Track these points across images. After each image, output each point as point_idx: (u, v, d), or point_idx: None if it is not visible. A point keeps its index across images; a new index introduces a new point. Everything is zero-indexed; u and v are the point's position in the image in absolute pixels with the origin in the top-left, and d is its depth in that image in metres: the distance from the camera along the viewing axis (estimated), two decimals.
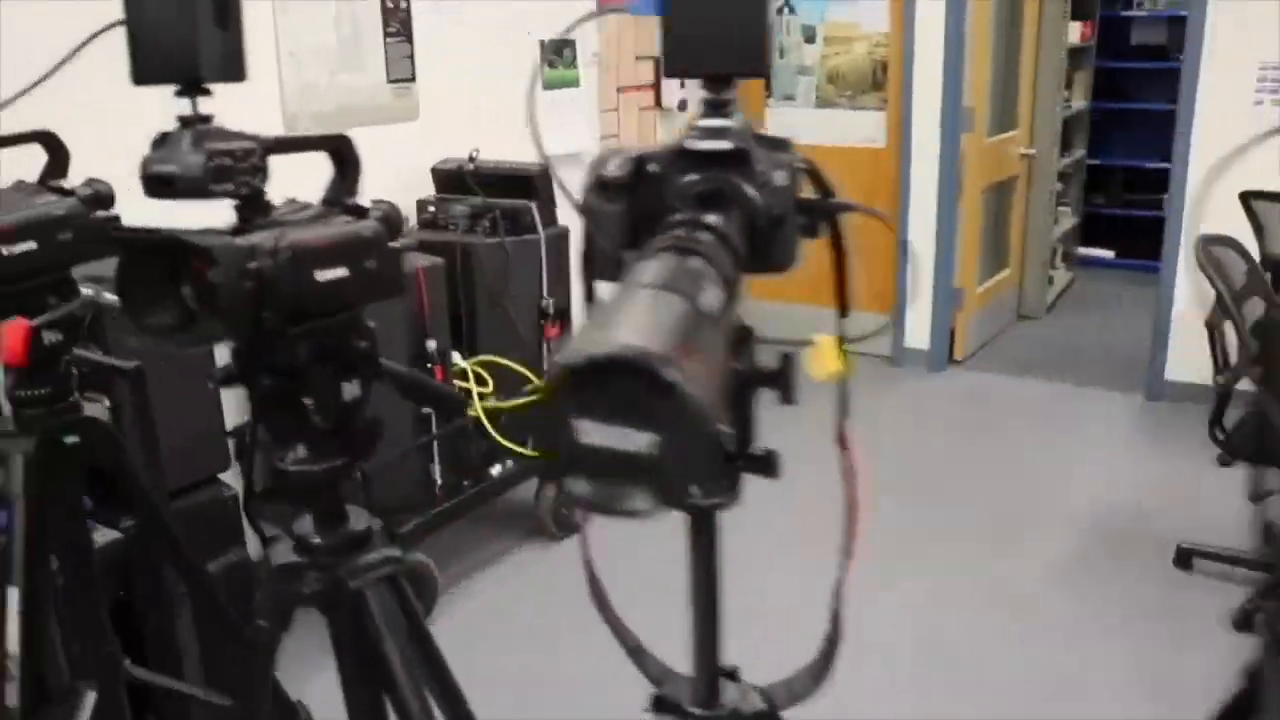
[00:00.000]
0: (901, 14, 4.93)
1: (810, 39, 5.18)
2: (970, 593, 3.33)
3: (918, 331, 5.31)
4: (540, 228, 3.36)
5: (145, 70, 0.95)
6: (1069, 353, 5.57)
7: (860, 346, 4.47)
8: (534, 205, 3.35)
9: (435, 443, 3.10)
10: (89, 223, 1.26)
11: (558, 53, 4.18)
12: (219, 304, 0.90)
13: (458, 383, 3.17)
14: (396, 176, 3.47)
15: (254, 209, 0.99)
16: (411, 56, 3.56)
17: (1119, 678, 2.89)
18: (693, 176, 0.85)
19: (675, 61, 0.85)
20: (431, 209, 3.43)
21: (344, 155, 1.13)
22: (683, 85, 4.74)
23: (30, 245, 1.22)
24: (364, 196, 1.11)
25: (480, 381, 3.25)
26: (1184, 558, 3.50)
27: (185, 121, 0.97)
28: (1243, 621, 2.82)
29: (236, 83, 0.96)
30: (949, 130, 4.96)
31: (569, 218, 3.43)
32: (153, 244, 0.91)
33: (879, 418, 4.66)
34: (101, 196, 1.31)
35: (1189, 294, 4.69)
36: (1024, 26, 5.45)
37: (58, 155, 1.35)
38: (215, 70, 0.95)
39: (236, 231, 0.96)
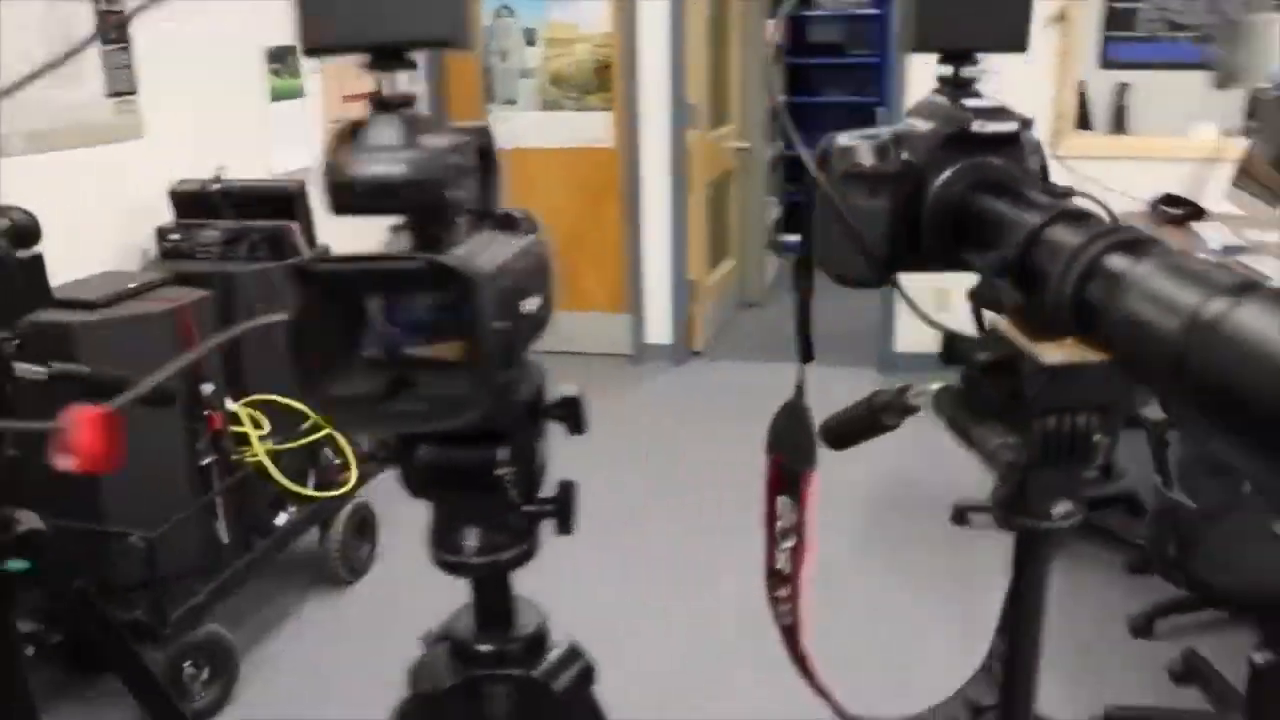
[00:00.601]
0: (621, 15, 4.95)
1: (531, 41, 5.10)
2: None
3: (656, 326, 5.37)
4: (304, 249, 3.08)
5: None
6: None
7: (599, 346, 4.51)
8: (294, 225, 3.06)
9: (219, 497, 2.76)
10: (15, 267, 0.96)
11: (280, 60, 3.86)
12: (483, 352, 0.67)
13: (232, 427, 2.85)
14: (126, 201, 3.07)
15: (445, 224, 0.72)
16: (131, 66, 3.16)
17: (935, 628, 3.04)
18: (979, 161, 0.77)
19: (925, 37, 0.78)
20: (175, 236, 3.06)
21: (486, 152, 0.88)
22: None
23: None
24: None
25: (255, 424, 2.93)
26: (960, 515, 3.73)
27: (384, 104, 0.67)
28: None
29: None
30: (676, 127, 5.03)
31: (332, 235, 3.17)
32: (390, 274, 0.67)
33: (636, 415, 4.65)
34: (22, 230, 1.01)
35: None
36: (730, 24, 5.63)
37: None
38: None
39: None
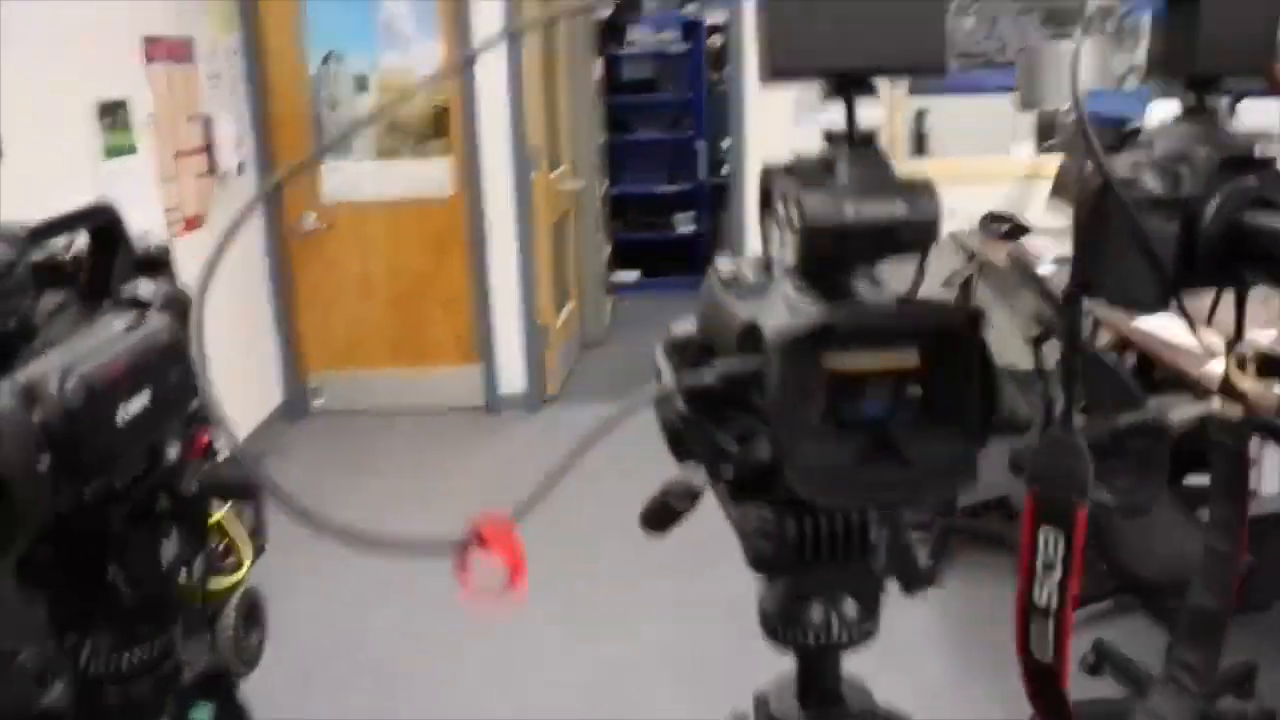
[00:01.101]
0: (457, 58, 4.84)
1: (363, 88, 4.91)
2: (683, 610, 3.34)
3: (509, 375, 5.24)
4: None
5: None
6: (646, 371, 5.82)
7: (452, 399, 4.39)
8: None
9: None
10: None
11: (111, 114, 3.56)
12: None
13: None
14: None
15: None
16: None
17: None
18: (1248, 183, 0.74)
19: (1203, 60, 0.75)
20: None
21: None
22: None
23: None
24: None
25: None
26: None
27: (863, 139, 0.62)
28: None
29: None
30: (519, 171, 4.95)
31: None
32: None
33: (495, 468, 4.51)
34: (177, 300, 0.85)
35: None
36: (558, 64, 5.60)
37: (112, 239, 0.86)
38: None
39: None
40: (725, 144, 7.27)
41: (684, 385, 0.64)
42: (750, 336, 0.62)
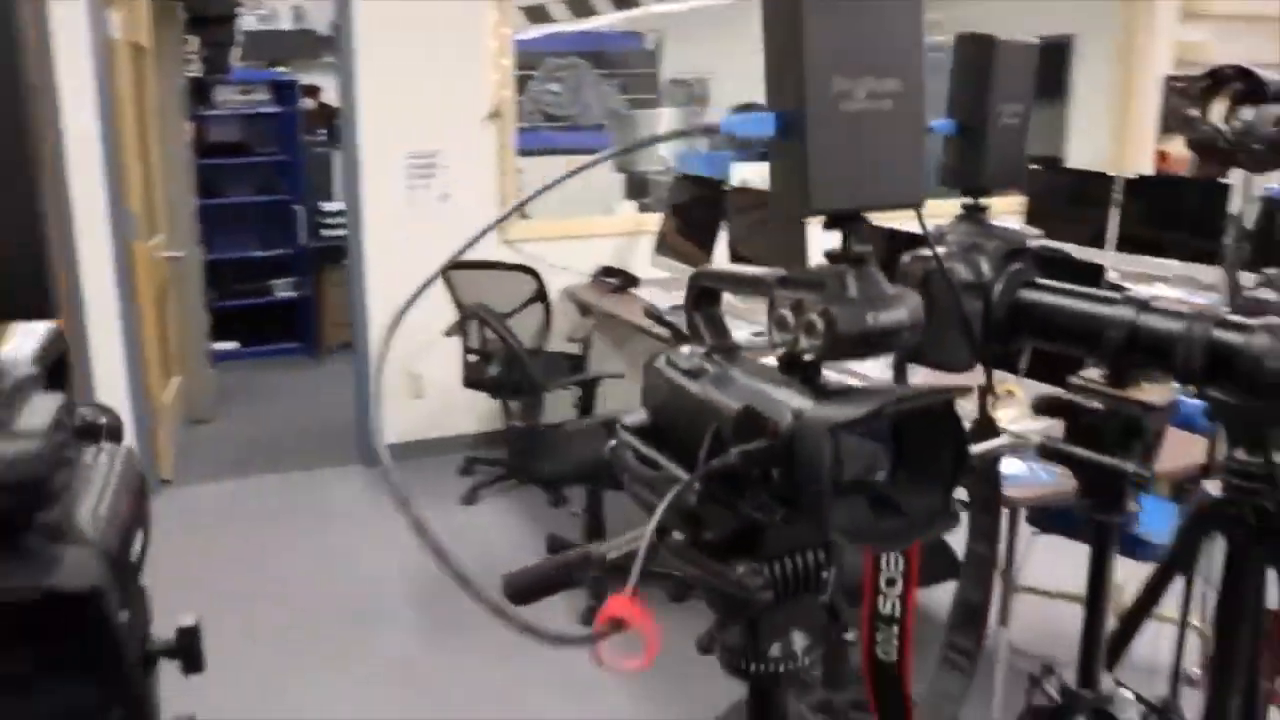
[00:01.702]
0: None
1: None
2: (362, 681, 3.28)
3: None
4: None
5: None
6: (265, 445, 5.57)
7: None
8: None
9: None
10: None
11: None
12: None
13: None
14: None
15: None
16: None
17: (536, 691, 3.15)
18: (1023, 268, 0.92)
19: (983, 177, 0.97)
20: None
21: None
22: None
23: None
24: None
25: None
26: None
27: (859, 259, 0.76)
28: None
29: None
30: (118, 238, 4.59)
31: None
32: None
33: None
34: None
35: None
36: (149, 126, 5.25)
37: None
38: None
39: None
40: (329, 206, 7.14)
41: (709, 468, 0.70)
42: (752, 420, 0.71)
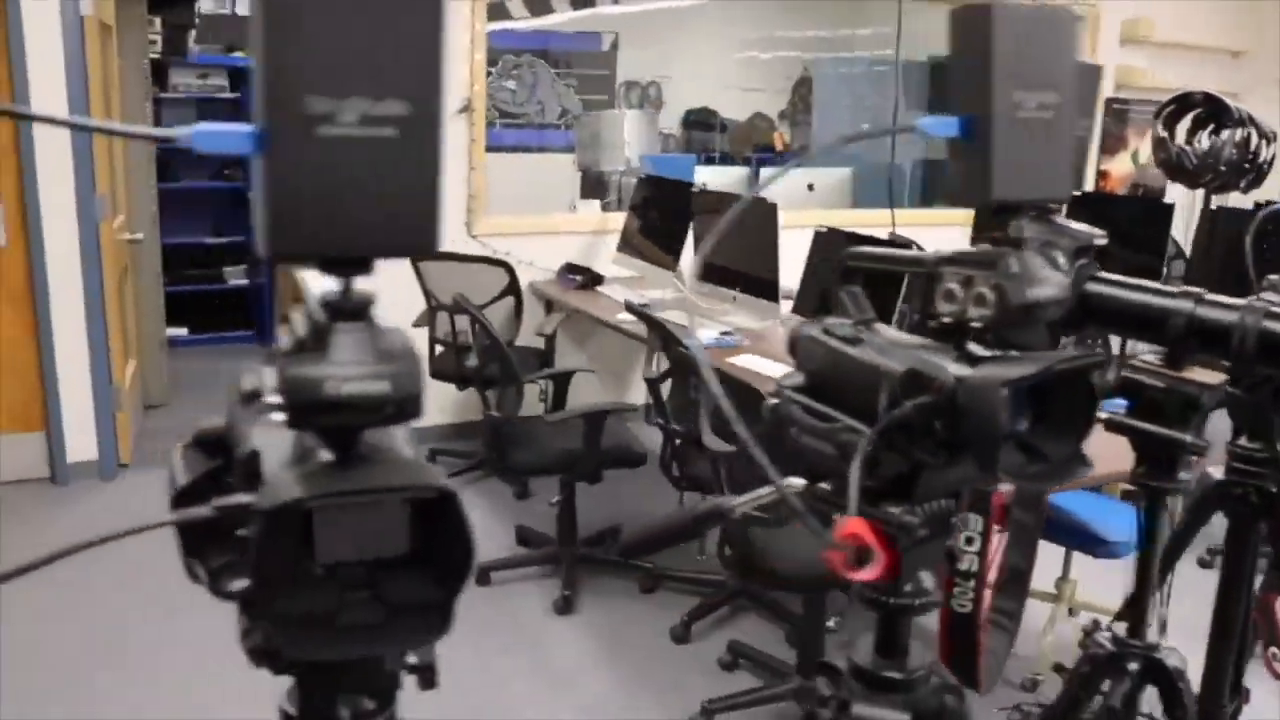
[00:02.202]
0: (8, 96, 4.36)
1: None
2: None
3: (78, 441, 4.78)
4: None
5: None
6: None
7: (12, 472, 4.22)
8: None
9: None
10: None
11: None
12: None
13: None
14: None
15: None
16: None
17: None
18: None
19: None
20: None
21: None
22: None
23: None
24: None
25: None
26: (483, 574, 3.95)
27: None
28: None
29: None
30: (86, 220, 4.56)
31: None
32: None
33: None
34: None
35: None
36: (114, 106, 5.21)
37: None
38: None
39: None
40: None
41: (891, 418, 0.81)
42: (919, 379, 0.82)
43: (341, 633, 0.64)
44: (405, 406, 0.63)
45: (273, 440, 0.67)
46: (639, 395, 5.78)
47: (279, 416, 0.66)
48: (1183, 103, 2.48)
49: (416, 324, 4.76)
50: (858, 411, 0.86)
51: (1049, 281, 0.85)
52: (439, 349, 4.76)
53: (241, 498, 0.65)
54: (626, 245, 5.39)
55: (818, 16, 8.71)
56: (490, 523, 4.53)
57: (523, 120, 7.70)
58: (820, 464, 0.88)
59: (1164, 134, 2.41)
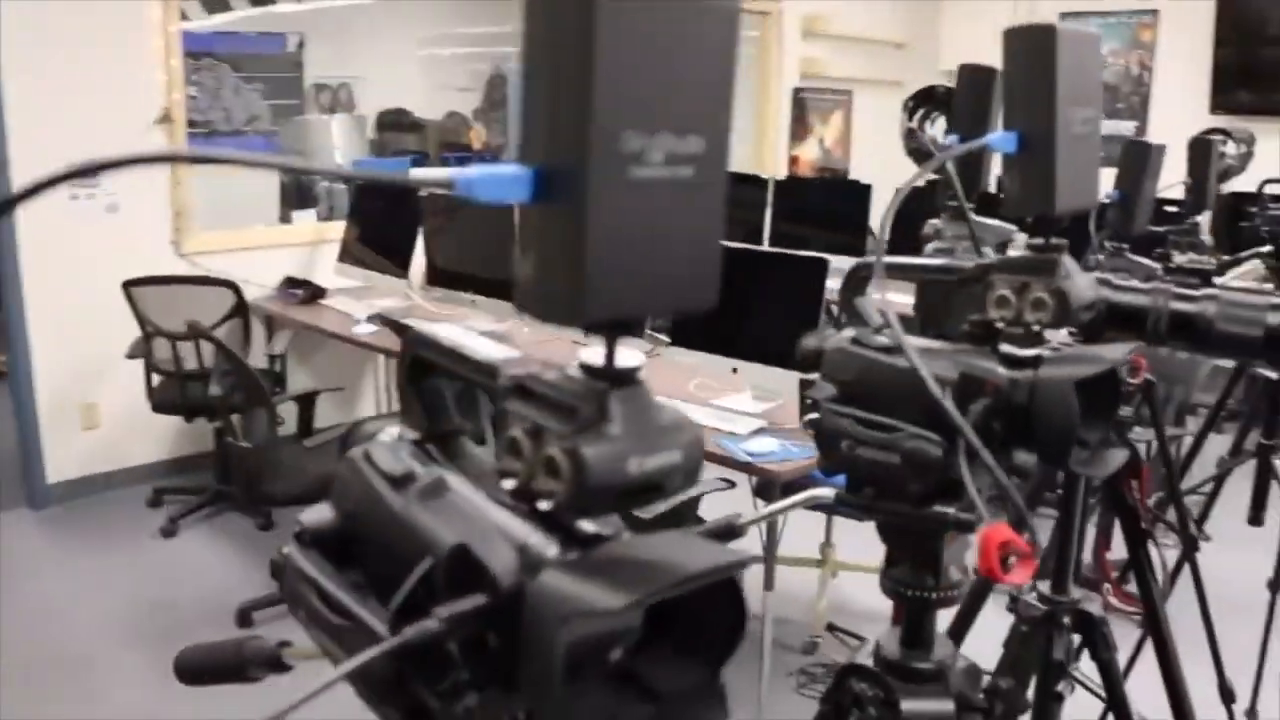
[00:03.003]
0: None
1: None
2: None
3: None
4: None
5: None
6: None
7: None
8: None
9: None
10: None
11: None
12: None
13: None
14: None
15: None
16: None
17: None
18: None
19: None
20: None
21: None
22: None
23: None
24: None
25: None
26: (244, 615, 3.71)
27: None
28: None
29: None
30: None
31: None
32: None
33: None
34: None
35: (49, 394, 4.58)
36: None
37: None
38: None
39: None
40: None
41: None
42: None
43: None
44: (691, 478, 0.56)
45: (464, 525, 0.58)
46: (370, 407, 5.60)
47: (468, 497, 0.58)
48: (924, 97, 2.68)
49: (131, 354, 4.36)
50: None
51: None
52: (156, 379, 4.39)
53: (468, 604, 0.53)
54: (348, 255, 5.18)
55: (501, 12, 8.71)
56: (237, 557, 4.24)
57: (206, 128, 7.21)
58: (876, 472, 0.90)
59: (912, 125, 2.60)
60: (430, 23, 8.43)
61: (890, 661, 1.00)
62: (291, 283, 5.09)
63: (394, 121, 8.13)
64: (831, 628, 3.79)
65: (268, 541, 4.38)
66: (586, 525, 0.57)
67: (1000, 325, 0.88)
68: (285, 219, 5.78)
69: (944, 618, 1.26)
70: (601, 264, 0.50)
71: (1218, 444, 3.59)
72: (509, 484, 0.56)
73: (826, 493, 0.95)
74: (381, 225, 5.05)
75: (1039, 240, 0.88)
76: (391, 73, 8.17)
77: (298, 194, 6.36)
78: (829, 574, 3.93)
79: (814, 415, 0.93)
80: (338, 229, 5.27)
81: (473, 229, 4.70)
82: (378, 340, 4.38)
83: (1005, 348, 0.89)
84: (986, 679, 1.14)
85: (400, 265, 4.85)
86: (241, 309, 4.32)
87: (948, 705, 0.96)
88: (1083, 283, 0.88)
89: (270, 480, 3.68)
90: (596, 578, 0.52)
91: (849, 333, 0.95)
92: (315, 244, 5.37)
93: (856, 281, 1.00)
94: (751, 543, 3.14)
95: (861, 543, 3.80)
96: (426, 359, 0.67)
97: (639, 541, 0.56)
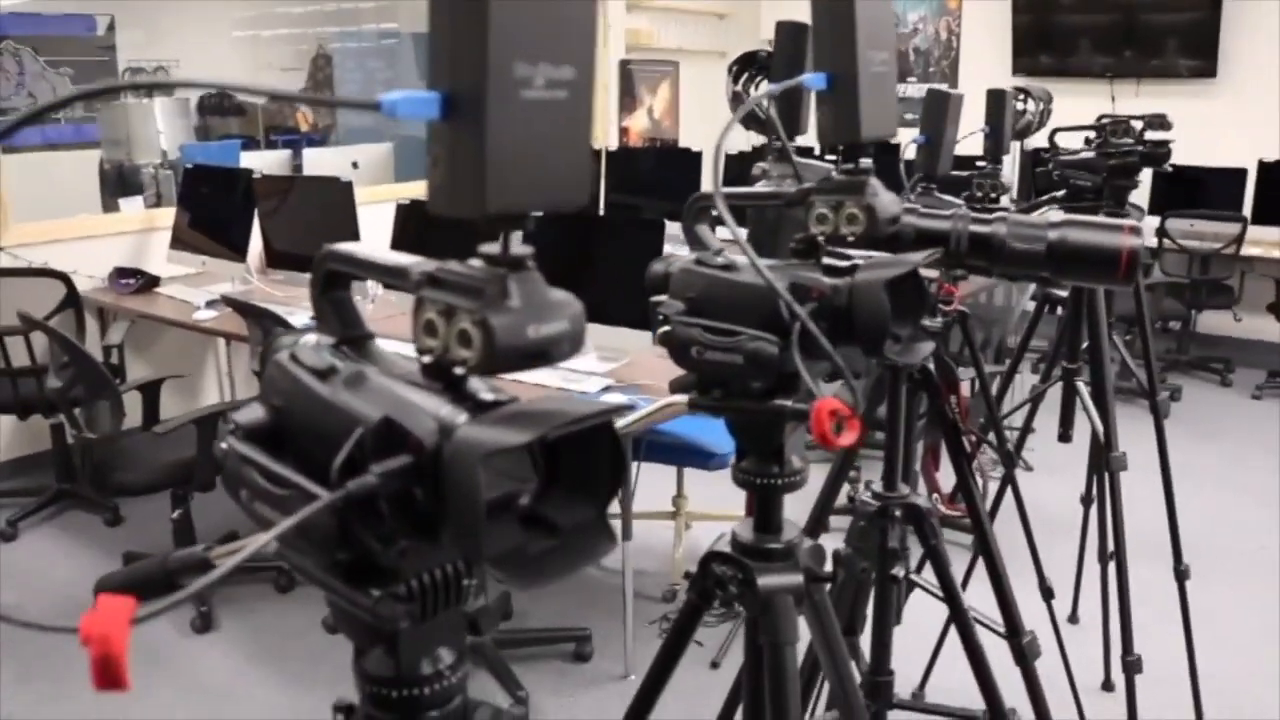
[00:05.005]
0: None
1: None
2: None
3: None
4: None
5: None
6: None
7: None
8: None
9: None
10: None
11: None
12: None
13: None
14: None
15: None
16: None
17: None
18: None
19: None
20: None
21: None
22: None
23: None
24: None
25: None
26: None
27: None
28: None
29: None
30: None
31: None
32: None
33: None
34: None
35: None
36: None
37: None
38: None
39: None
40: None
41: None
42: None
43: (534, 562, 0.67)
44: (577, 344, 0.67)
45: (387, 402, 0.68)
46: (214, 393, 5.51)
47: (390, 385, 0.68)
48: (748, 61, 2.84)
49: None
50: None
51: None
52: None
53: (404, 460, 0.64)
54: (180, 242, 5.07)
55: None
56: (86, 556, 4.15)
57: (10, 115, 6.88)
58: (723, 373, 1.03)
59: (737, 88, 2.76)
60: (248, 3, 8.23)
61: (745, 545, 1.13)
62: (122, 272, 4.96)
63: (217, 105, 7.92)
64: (689, 575, 3.95)
65: (116, 537, 4.29)
66: (487, 395, 0.68)
67: (821, 239, 1.03)
68: (110, 207, 5.60)
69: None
70: (499, 168, 0.62)
71: (1031, 382, 3.91)
72: (426, 359, 0.67)
73: (681, 398, 1.07)
74: (214, 210, 4.97)
75: (849, 165, 1.02)
76: (211, 55, 7.94)
77: (119, 181, 6.16)
78: (683, 524, 4.10)
79: (666, 329, 1.05)
80: (167, 215, 5.16)
81: (308, 210, 4.68)
82: (219, 325, 4.33)
83: (826, 260, 1.03)
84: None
85: (236, 249, 4.78)
86: (73, 300, 4.21)
87: (797, 578, 1.11)
88: (887, 199, 1.03)
89: (122, 471, 3.62)
90: (502, 425, 0.63)
91: (692, 255, 1.08)
92: (145, 231, 5.24)
93: (695, 210, 1.12)
94: None
95: (711, 493, 3.98)
96: (339, 271, 0.76)
97: (532, 401, 0.67)
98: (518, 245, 0.66)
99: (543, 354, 0.65)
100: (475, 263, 0.66)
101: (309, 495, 0.66)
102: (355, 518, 0.65)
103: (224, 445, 0.73)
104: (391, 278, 0.70)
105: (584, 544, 0.69)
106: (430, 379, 0.69)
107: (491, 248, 0.65)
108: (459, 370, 0.66)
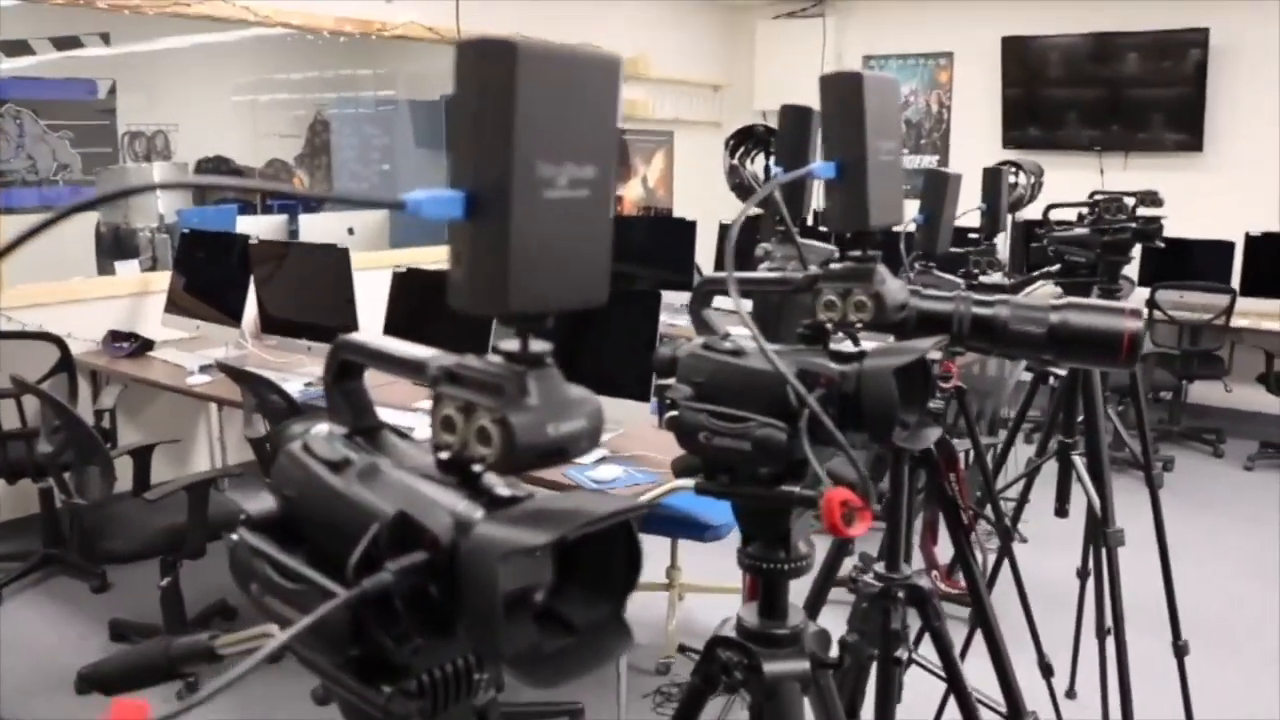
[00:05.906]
0: None
1: None
2: None
3: None
4: None
5: None
6: None
7: None
8: None
9: None
10: None
11: None
12: None
13: None
14: None
15: None
16: None
17: None
18: None
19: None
20: None
21: None
22: None
23: None
24: None
25: None
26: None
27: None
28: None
29: None
30: None
31: None
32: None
33: None
34: None
35: None
36: None
37: None
38: None
39: None
40: None
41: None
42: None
43: (550, 661, 0.65)
44: (595, 441, 0.67)
45: (401, 496, 0.67)
46: (204, 459, 5.47)
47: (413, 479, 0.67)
48: (745, 135, 2.87)
49: None
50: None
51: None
52: None
53: (419, 556, 0.63)
54: (175, 306, 5.07)
55: (319, 59, 8.68)
56: (74, 624, 4.09)
57: (12, 178, 6.93)
58: (731, 459, 1.02)
59: (734, 161, 2.79)
60: (247, 68, 8.33)
61: (750, 630, 1.12)
62: (117, 335, 4.96)
63: (214, 169, 7.97)
64: (683, 648, 3.91)
65: (102, 604, 4.23)
66: (503, 490, 0.67)
67: (829, 326, 1.03)
68: (106, 270, 5.61)
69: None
70: (521, 267, 0.62)
71: (1026, 453, 3.92)
72: (444, 455, 0.67)
73: (688, 482, 1.07)
74: (209, 274, 4.98)
75: (857, 252, 1.03)
76: (209, 119, 8.02)
77: (116, 244, 6.18)
78: (676, 596, 4.07)
79: (674, 413, 1.05)
80: (163, 279, 5.16)
81: (303, 277, 4.69)
82: (212, 390, 4.32)
83: (835, 346, 1.04)
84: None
85: (231, 314, 4.78)
86: (66, 363, 4.20)
87: (803, 664, 1.10)
88: (895, 286, 1.04)
89: (111, 537, 3.59)
90: (521, 524, 0.63)
91: (700, 340, 1.08)
92: (140, 295, 5.24)
93: (702, 295, 1.13)
94: None
95: (706, 565, 3.94)
96: (353, 361, 0.75)
97: (550, 498, 0.66)
98: (536, 342, 0.65)
99: (561, 452, 0.64)
100: (494, 358, 0.66)
101: (323, 591, 0.65)
102: (369, 615, 0.64)
103: (234, 536, 0.72)
104: (407, 371, 0.70)
105: (600, 642, 0.68)
106: (445, 473, 0.68)
107: (511, 344, 0.65)
108: (477, 468, 0.66)
